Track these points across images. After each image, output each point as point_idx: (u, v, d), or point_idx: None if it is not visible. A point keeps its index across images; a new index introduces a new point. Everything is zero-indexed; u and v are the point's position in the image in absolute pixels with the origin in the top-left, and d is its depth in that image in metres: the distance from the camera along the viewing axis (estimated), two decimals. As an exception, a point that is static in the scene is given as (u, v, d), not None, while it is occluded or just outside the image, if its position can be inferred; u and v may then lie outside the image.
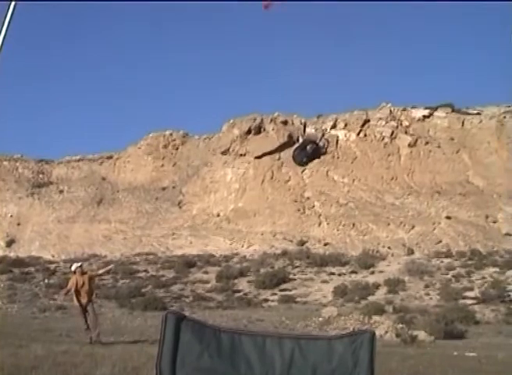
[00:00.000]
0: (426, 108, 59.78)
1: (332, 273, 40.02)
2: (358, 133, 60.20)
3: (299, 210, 56.42)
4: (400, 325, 19.79)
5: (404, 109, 60.80)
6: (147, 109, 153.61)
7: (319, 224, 54.62)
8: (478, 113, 57.93)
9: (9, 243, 68.34)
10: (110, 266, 17.80)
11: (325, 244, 51.38)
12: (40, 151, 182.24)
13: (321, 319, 23.37)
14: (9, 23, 2.57)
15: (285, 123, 62.67)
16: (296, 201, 57.48)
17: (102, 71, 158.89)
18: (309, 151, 8.01)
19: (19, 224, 70.92)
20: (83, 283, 12.84)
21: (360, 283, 35.05)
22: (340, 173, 58.33)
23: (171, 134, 74.38)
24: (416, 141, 57.87)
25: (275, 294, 34.49)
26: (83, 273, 13.17)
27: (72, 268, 13.48)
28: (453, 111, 58.95)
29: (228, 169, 63.22)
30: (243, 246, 54.12)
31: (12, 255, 60.26)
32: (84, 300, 12.81)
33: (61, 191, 74.27)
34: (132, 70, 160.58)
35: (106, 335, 13.65)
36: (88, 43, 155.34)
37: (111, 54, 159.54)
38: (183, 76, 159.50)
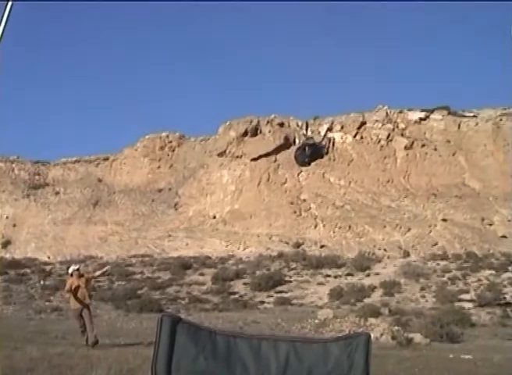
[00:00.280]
0: (422, 111, 59.93)
1: (328, 276, 40.07)
2: (355, 136, 60.30)
3: (295, 212, 56.42)
4: (396, 327, 19.80)
5: (401, 112, 60.93)
6: (143, 111, 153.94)
7: (315, 226, 54.64)
8: (475, 116, 58.11)
9: (5, 244, 68.14)
10: (107, 268, 17.61)
11: (321, 247, 51.40)
12: (37, 153, 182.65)
13: (316, 321, 23.36)
14: (6, 23, 2.56)
15: (281, 125, 62.69)
16: (292, 204, 57.50)
17: (99, 73, 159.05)
18: (308, 153, 8.03)
19: (14, 226, 70.75)
20: (80, 286, 12.79)
21: (356, 285, 35.04)
22: (336, 175, 58.39)
23: (167, 136, 74.36)
24: (412, 143, 58.01)
25: (271, 296, 34.49)
26: (80, 276, 13.12)
27: (70, 270, 13.42)
28: (449, 113, 59.12)
29: (224, 171, 63.21)
30: (239, 248, 54.08)
31: (7, 256, 60.16)
32: (81, 302, 12.75)
33: (57, 193, 74.15)
34: (128, 72, 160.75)
35: (102, 337, 13.60)
36: (85, 45, 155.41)
37: (108, 56, 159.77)
38: (179, 78, 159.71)
